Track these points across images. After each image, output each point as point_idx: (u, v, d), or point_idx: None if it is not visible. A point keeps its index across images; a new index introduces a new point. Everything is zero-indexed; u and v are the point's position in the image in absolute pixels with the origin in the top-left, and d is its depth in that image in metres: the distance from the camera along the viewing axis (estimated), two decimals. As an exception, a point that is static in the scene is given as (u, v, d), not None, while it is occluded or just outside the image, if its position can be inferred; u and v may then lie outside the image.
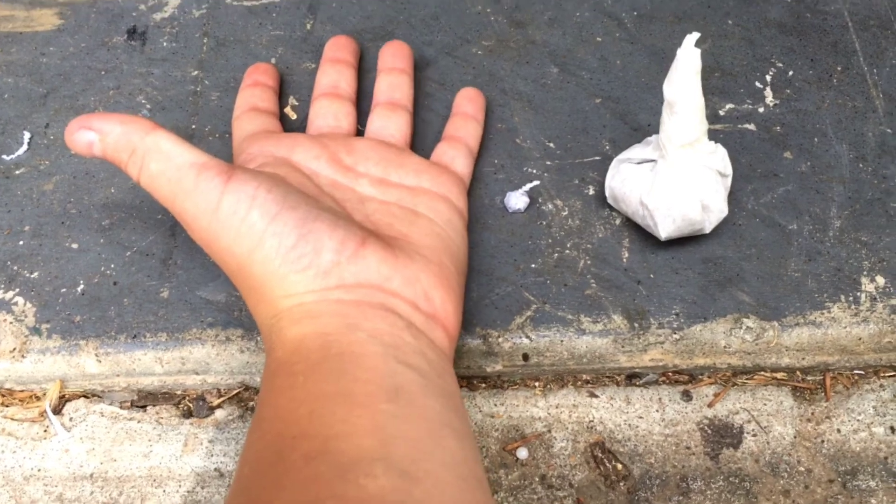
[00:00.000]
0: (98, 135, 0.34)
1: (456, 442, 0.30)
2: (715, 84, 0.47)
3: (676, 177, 0.39)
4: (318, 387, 0.30)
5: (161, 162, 0.34)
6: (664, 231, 0.39)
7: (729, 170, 0.41)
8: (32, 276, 0.41)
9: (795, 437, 0.38)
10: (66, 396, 0.39)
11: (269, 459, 0.29)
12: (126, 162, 0.35)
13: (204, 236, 0.34)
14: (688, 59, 0.36)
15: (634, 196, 0.40)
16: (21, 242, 0.42)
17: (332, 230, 0.34)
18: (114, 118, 0.34)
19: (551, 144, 0.45)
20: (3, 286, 0.40)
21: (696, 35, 0.36)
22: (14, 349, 0.39)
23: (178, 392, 0.40)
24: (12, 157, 0.45)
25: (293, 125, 0.46)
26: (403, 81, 0.45)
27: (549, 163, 0.45)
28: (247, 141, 0.41)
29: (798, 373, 0.40)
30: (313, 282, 0.33)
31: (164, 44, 0.49)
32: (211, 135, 0.46)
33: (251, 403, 0.40)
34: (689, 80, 0.37)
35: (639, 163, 0.41)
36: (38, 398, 0.39)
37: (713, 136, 0.45)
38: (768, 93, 0.47)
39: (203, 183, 0.33)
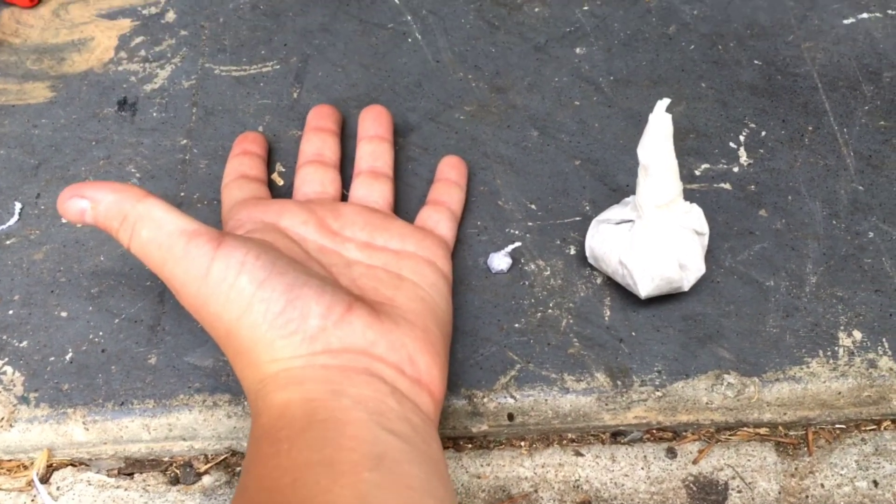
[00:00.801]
0: (90, 203, 0.35)
1: None
2: (690, 145, 0.49)
3: (654, 237, 0.40)
4: (303, 455, 0.30)
5: (152, 229, 0.35)
6: (643, 290, 0.40)
7: (705, 228, 0.42)
8: (21, 345, 0.41)
9: (780, 492, 0.38)
10: (54, 465, 0.39)
11: None
12: (117, 229, 0.35)
13: (193, 302, 0.35)
14: (659, 124, 0.38)
15: (614, 256, 0.41)
16: (10, 312, 0.42)
17: (319, 296, 0.34)
18: (106, 186, 0.35)
19: (533, 206, 0.46)
20: (-9, 355, 0.41)
21: (666, 101, 0.37)
22: (2, 418, 0.39)
23: (166, 459, 0.40)
24: (3, 227, 0.45)
25: (280, 191, 0.47)
26: (384, 149, 0.46)
27: (530, 224, 0.46)
28: (236, 208, 0.42)
29: (780, 428, 0.40)
30: (300, 347, 0.33)
31: (154, 114, 0.50)
32: (199, 202, 0.47)
33: (238, 469, 0.40)
34: (661, 143, 0.38)
35: (617, 223, 0.42)
36: (25, 467, 0.39)
37: (690, 195, 0.46)
38: (742, 153, 0.48)
39: (193, 250, 0.34)
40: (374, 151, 0.46)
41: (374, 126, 0.47)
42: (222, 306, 0.34)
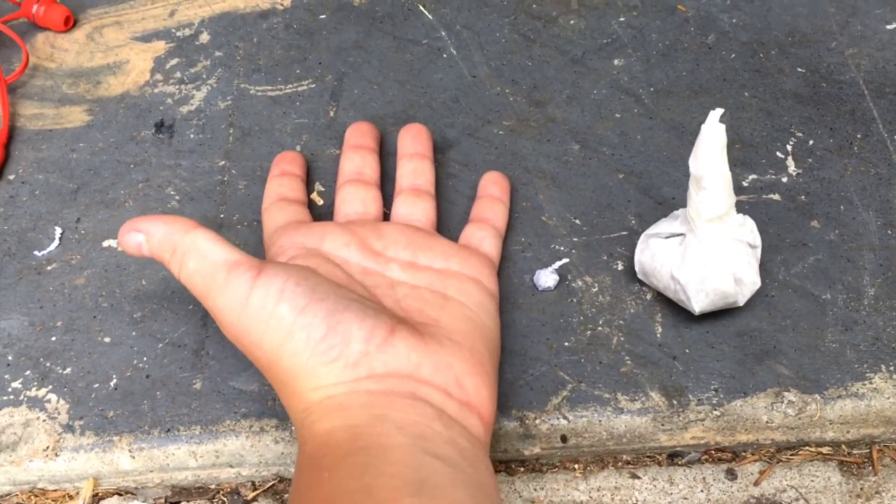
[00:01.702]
0: (145, 236, 0.36)
1: None
2: (736, 155, 0.48)
3: (707, 251, 0.39)
4: (343, 483, 0.29)
5: (197, 260, 0.35)
6: (698, 306, 0.39)
7: (758, 241, 0.41)
8: (65, 371, 0.41)
9: (846, 513, 0.37)
10: (100, 494, 0.39)
11: None
12: (169, 260, 0.36)
13: (234, 331, 0.34)
14: (713, 135, 0.37)
15: (665, 271, 0.40)
16: (53, 338, 0.42)
17: (361, 320, 0.34)
18: (159, 220, 0.36)
19: (577, 221, 0.46)
20: (36, 383, 0.40)
21: (720, 111, 0.37)
22: (48, 447, 0.38)
23: (213, 486, 0.39)
24: (44, 252, 0.45)
25: (320, 210, 0.47)
26: (425, 167, 0.45)
27: (575, 239, 0.45)
28: (277, 233, 0.41)
29: (843, 446, 0.39)
30: (343, 373, 0.33)
31: (192, 136, 0.50)
32: (239, 223, 0.46)
33: (286, 496, 0.39)
34: (714, 155, 0.37)
35: (667, 237, 0.41)
36: (71, 497, 0.39)
37: (739, 206, 0.45)
38: (790, 162, 0.47)
39: (234, 279, 0.34)
40: (415, 169, 0.45)
41: (413, 144, 0.46)
42: (263, 335, 0.33)
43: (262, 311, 0.34)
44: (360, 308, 0.35)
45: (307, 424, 0.33)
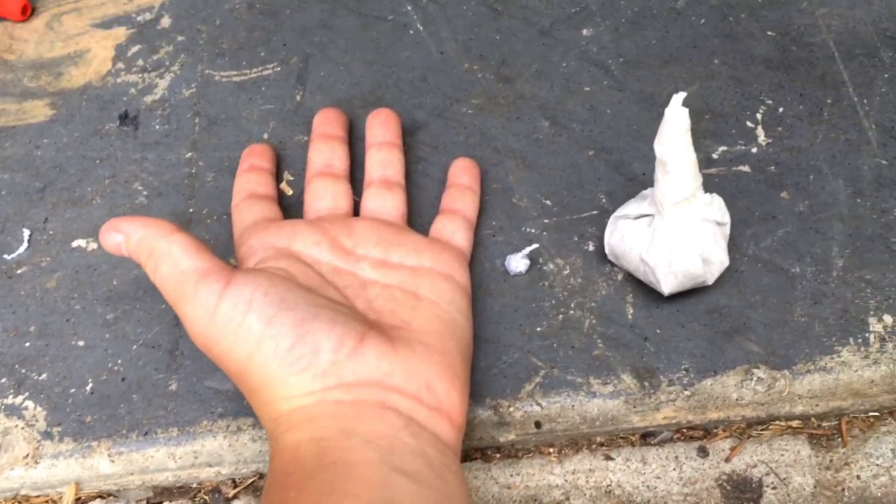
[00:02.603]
0: (124, 237, 0.36)
1: None
2: (706, 127, 0.47)
3: (675, 233, 0.39)
4: (310, 501, 0.30)
5: (169, 266, 0.35)
6: (667, 287, 0.39)
7: (727, 218, 0.41)
8: (41, 378, 0.41)
9: (815, 486, 0.38)
10: (82, 499, 0.39)
11: None
12: (145, 263, 0.36)
13: (203, 341, 0.34)
14: (676, 118, 0.36)
15: (634, 253, 0.40)
16: (27, 343, 0.42)
17: (330, 329, 0.34)
18: (138, 221, 0.36)
19: (548, 202, 0.45)
20: (12, 391, 0.41)
21: (682, 95, 0.36)
22: (27, 455, 0.39)
23: (194, 485, 0.40)
24: (13, 255, 0.45)
25: (289, 200, 0.46)
26: (394, 156, 0.45)
27: (546, 221, 0.45)
28: (247, 232, 0.41)
29: (813, 420, 0.40)
30: (312, 383, 0.33)
31: (157, 127, 0.50)
32: (209, 217, 0.46)
33: (267, 491, 0.40)
34: (679, 138, 0.37)
35: (636, 218, 0.41)
36: (54, 502, 0.39)
37: (708, 180, 0.45)
38: (760, 132, 0.47)
39: (203, 289, 0.34)
40: (383, 159, 0.44)
41: (382, 131, 0.45)
42: (232, 345, 0.33)
43: (230, 321, 0.34)
44: (330, 316, 0.35)
45: (276, 436, 0.33)
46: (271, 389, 0.33)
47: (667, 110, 0.36)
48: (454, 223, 0.43)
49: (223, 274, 0.35)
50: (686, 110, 0.36)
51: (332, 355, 0.33)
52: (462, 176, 0.45)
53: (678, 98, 0.36)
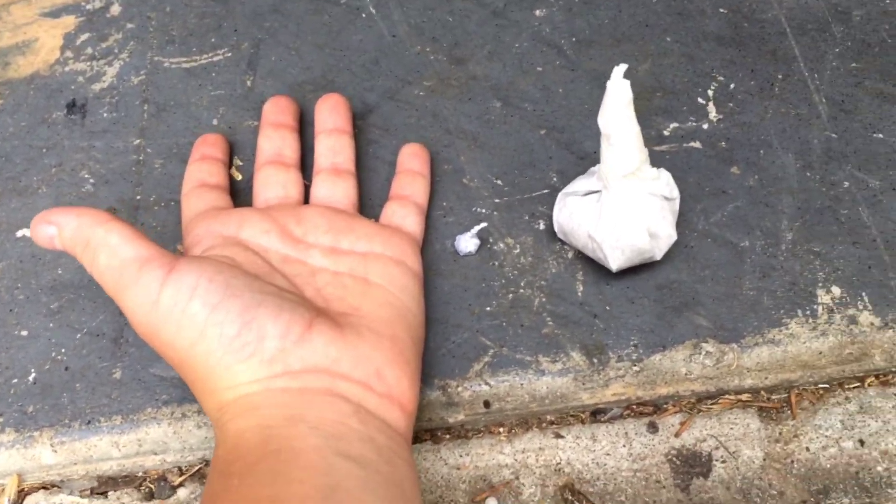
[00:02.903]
0: (57, 228, 0.35)
1: None
2: (658, 104, 0.47)
3: (621, 208, 0.38)
4: (252, 491, 0.29)
5: (108, 255, 0.34)
6: (614, 263, 0.39)
7: (675, 193, 0.41)
8: (-17, 368, 0.40)
9: (765, 459, 0.38)
10: (25, 490, 0.39)
11: None
12: (81, 255, 0.35)
13: (146, 330, 0.34)
14: (618, 91, 0.36)
15: (582, 230, 0.40)
16: (-30, 335, 0.41)
17: (276, 315, 0.33)
18: (71, 212, 0.35)
19: (499, 181, 0.45)
20: (-47, 382, 0.40)
21: (623, 67, 0.36)
22: (-31, 447, 0.38)
23: (139, 474, 0.39)
24: (-43, 246, 0.44)
25: (239, 185, 0.46)
26: (344, 142, 0.44)
27: (497, 200, 0.44)
28: (194, 221, 0.40)
29: (762, 393, 0.40)
30: (258, 370, 0.32)
31: (105, 115, 0.49)
32: (157, 204, 0.45)
33: (215, 477, 0.39)
34: (621, 111, 0.37)
35: (584, 195, 0.41)
36: (-3, 493, 0.39)
37: (659, 157, 0.45)
38: (711, 108, 0.47)
39: (144, 277, 0.33)
40: (333, 146, 0.44)
41: (331, 118, 0.45)
42: (175, 333, 0.33)
43: (173, 308, 0.33)
44: (276, 302, 0.34)
45: (221, 424, 0.33)
46: (216, 378, 0.33)
47: (609, 83, 0.36)
48: (405, 208, 0.42)
49: (165, 261, 0.34)
50: (627, 82, 0.36)
51: (278, 342, 0.33)
52: (411, 161, 0.44)
53: (619, 70, 0.36)
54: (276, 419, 0.31)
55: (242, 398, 0.32)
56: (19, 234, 0.45)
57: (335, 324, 0.35)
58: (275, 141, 0.44)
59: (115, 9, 0.54)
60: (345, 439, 0.31)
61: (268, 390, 0.32)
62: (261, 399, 0.32)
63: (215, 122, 0.48)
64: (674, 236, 0.40)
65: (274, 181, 0.42)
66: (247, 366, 0.32)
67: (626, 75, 0.48)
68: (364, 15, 0.52)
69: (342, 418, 0.32)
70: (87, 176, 0.46)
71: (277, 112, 0.46)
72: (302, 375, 0.33)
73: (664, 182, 0.40)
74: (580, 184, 0.41)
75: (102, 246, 0.34)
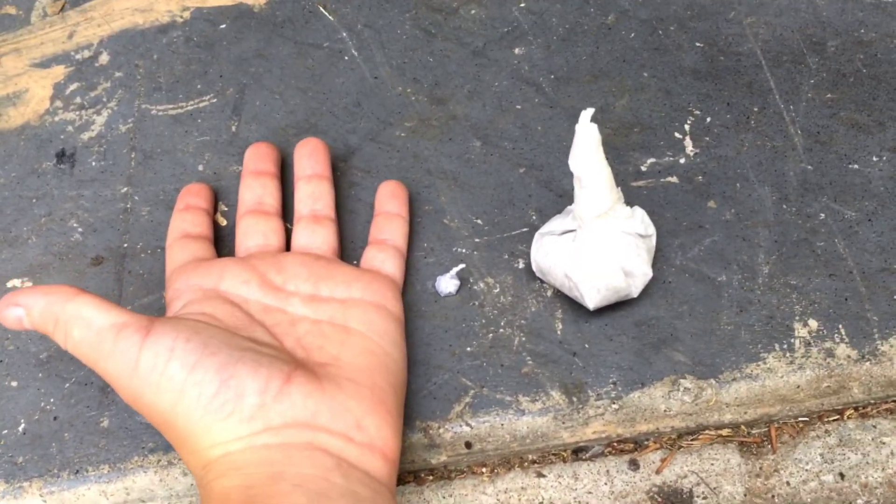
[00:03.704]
0: (24, 310, 0.35)
1: None
2: (635, 139, 0.48)
3: (596, 247, 0.39)
4: None
5: (82, 328, 0.34)
6: (591, 302, 0.40)
7: (651, 230, 0.41)
8: (-27, 420, 0.41)
9: (746, 494, 0.38)
10: (15, 540, 0.39)
11: None
12: (52, 332, 0.35)
13: (128, 394, 0.34)
14: (586, 134, 0.37)
15: (559, 269, 0.40)
16: (-39, 387, 0.42)
17: (254, 371, 0.34)
18: (38, 291, 0.35)
19: (479, 221, 0.46)
20: (-56, 435, 0.41)
21: (591, 111, 0.37)
22: (-41, 499, 0.39)
23: (127, 522, 0.40)
24: (-52, 299, 0.45)
25: (224, 231, 0.47)
26: (323, 188, 0.45)
27: (477, 240, 0.45)
28: (175, 273, 0.41)
29: (742, 427, 0.40)
30: (238, 428, 0.33)
31: (93, 163, 0.50)
32: (143, 251, 0.46)
33: (201, 524, 0.40)
34: (591, 154, 0.37)
35: (560, 234, 0.41)
36: (-12, 545, 0.39)
37: (636, 193, 0.46)
38: (688, 142, 0.47)
39: (122, 342, 0.34)
40: (313, 192, 0.45)
41: (310, 163, 0.46)
42: (156, 396, 0.33)
43: (152, 371, 0.33)
44: (254, 358, 0.34)
45: (205, 483, 0.33)
46: (196, 438, 0.33)
47: (577, 126, 0.37)
48: (383, 252, 0.43)
49: (142, 324, 0.34)
50: (595, 126, 0.37)
51: (257, 398, 0.33)
52: (389, 203, 0.45)
53: (586, 114, 0.37)
54: (258, 478, 0.32)
55: (224, 457, 0.33)
56: (10, 284, 0.45)
57: (314, 376, 0.35)
58: (255, 190, 0.45)
59: (104, 57, 0.55)
60: (327, 495, 0.32)
61: (250, 447, 0.33)
62: (243, 458, 0.32)
63: (201, 167, 0.49)
64: (649, 274, 0.40)
65: (255, 230, 0.43)
66: (227, 424, 0.33)
67: (604, 111, 0.49)
68: (346, 57, 0.53)
69: (324, 473, 0.32)
70: (75, 225, 0.47)
71: (258, 160, 0.46)
72: (283, 430, 0.33)
73: (638, 220, 0.41)
74: (556, 223, 0.42)
75: (75, 319, 0.35)
